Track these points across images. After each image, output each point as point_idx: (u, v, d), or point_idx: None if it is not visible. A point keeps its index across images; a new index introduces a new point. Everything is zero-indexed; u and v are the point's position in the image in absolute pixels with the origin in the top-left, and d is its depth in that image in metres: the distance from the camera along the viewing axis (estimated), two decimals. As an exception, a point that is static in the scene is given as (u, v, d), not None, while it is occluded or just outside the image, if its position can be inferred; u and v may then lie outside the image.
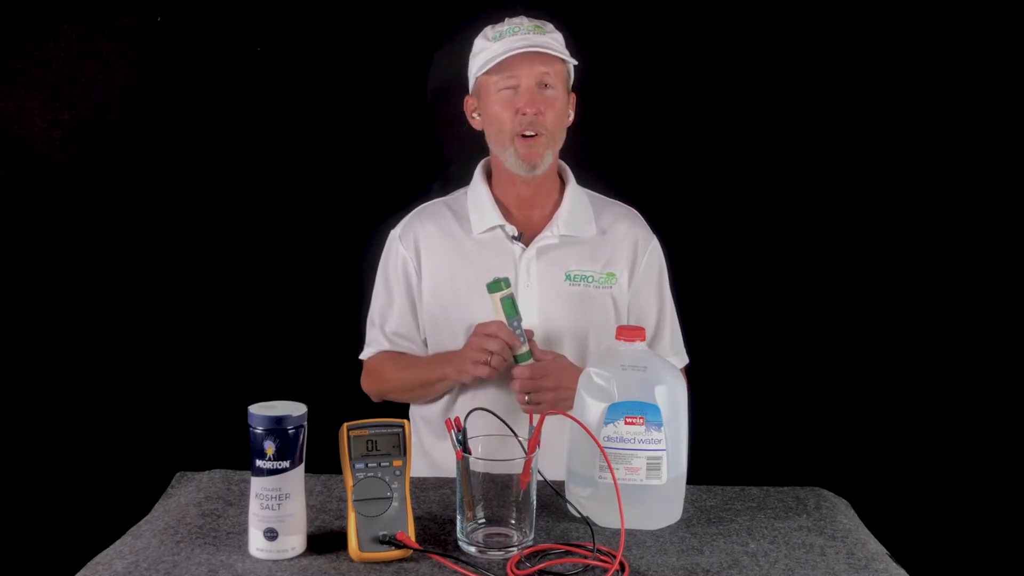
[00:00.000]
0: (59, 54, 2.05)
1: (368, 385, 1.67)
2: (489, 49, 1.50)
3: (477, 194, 1.61)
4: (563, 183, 1.63)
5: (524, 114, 1.48)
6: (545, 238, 1.57)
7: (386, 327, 1.63)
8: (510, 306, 1.44)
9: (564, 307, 1.54)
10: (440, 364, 1.54)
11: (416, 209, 1.66)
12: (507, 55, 1.47)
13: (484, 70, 1.51)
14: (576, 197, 1.61)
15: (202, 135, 2.10)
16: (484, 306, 1.46)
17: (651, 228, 1.65)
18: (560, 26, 1.57)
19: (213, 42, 2.08)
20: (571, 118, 1.59)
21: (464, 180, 1.66)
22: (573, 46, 1.56)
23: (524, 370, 1.44)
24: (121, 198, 2.10)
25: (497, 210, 1.58)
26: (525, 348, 1.45)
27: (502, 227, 1.57)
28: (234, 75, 2.10)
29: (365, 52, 2.11)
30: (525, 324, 1.46)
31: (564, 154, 1.63)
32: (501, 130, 1.52)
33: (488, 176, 1.62)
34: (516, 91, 1.50)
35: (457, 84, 1.65)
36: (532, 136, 1.49)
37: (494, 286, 1.44)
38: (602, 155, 1.95)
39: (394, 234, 1.65)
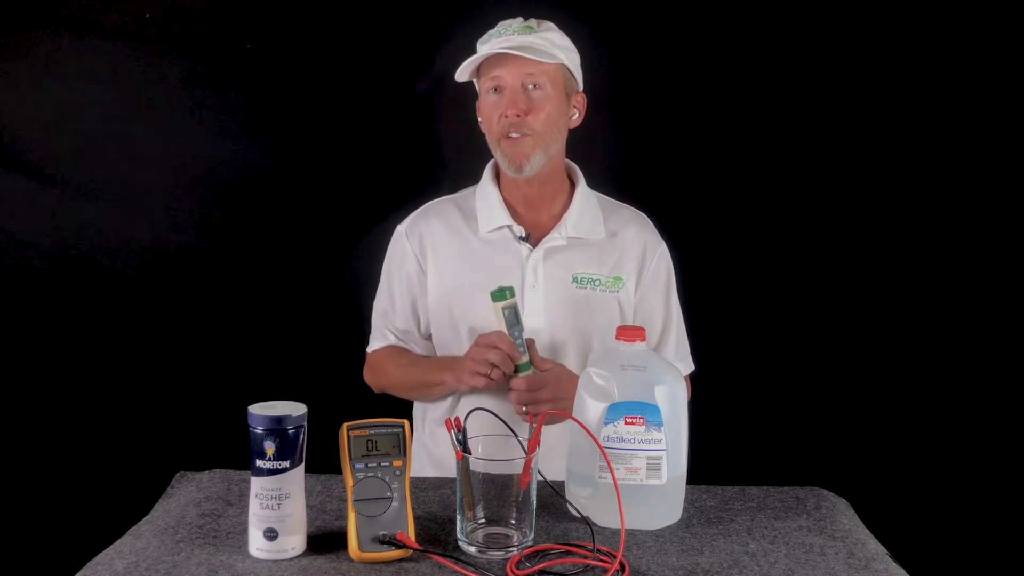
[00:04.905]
0: (58, 54, 2.04)
1: (370, 377, 1.69)
2: (477, 52, 1.50)
3: (486, 193, 1.59)
4: (573, 185, 1.62)
5: (506, 116, 1.48)
6: (553, 239, 1.55)
7: (390, 323, 1.63)
8: (512, 316, 1.40)
9: (570, 310, 1.53)
10: (440, 370, 1.53)
11: (424, 206, 1.64)
12: (479, 58, 1.48)
13: (463, 75, 1.51)
14: (585, 199, 1.60)
15: (202, 134, 2.10)
16: (488, 306, 1.44)
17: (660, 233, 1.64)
18: (567, 26, 1.55)
19: (215, 41, 2.08)
20: (576, 118, 1.57)
21: (470, 178, 1.65)
22: (580, 45, 1.55)
23: (521, 382, 1.41)
24: (121, 198, 2.10)
25: (505, 210, 1.56)
26: (526, 358, 1.41)
27: (510, 227, 1.56)
28: (236, 73, 2.10)
29: (368, 50, 2.10)
30: (530, 325, 1.45)
31: (570, 155, 1.62)
32: (490, 131, 1.53)
33: (497, 176, 1.61)
34: (502, 93, 1.49)
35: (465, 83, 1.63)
36: (517, 137, 1.48)
37: (498, 295, 1.40)
38: (608, 157, 1.95)
39: (400, 230, 1.63)
